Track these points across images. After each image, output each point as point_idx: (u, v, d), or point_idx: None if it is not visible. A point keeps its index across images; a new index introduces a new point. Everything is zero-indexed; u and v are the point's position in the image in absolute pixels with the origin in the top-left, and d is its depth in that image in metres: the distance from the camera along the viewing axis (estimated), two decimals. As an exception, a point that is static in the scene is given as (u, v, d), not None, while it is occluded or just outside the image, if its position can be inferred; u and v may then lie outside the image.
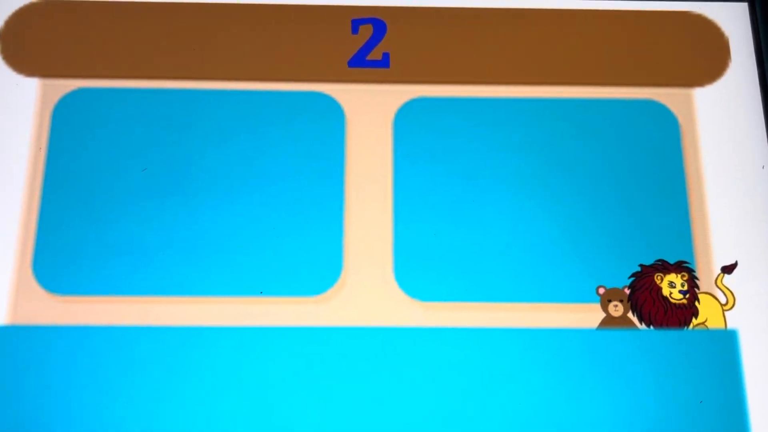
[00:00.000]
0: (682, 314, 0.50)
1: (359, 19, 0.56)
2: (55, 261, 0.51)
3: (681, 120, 0.55)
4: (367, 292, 0.50)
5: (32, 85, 0.55)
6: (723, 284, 0.51)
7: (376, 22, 0.56)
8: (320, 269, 0.51)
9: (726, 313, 0.50)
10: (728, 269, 0.52)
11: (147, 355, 0.49)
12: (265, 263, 0.51)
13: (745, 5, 0.58)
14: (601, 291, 0.51)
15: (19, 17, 0.56)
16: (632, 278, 0.51)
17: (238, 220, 0.52)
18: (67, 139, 0.53)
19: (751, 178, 0.54)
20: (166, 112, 0.54)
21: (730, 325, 0.50)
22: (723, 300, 0.51)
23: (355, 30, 0.56)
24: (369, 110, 0.54)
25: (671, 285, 0.51)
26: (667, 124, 0.55)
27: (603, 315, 0.50)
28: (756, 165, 0.54)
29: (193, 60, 0.55)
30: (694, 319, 0.50)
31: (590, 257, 0.51)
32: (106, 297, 0.50)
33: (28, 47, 0.56)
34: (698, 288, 0.51)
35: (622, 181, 0.53)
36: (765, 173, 0.54)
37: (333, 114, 0.54)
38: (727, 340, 0.50)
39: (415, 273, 0.51)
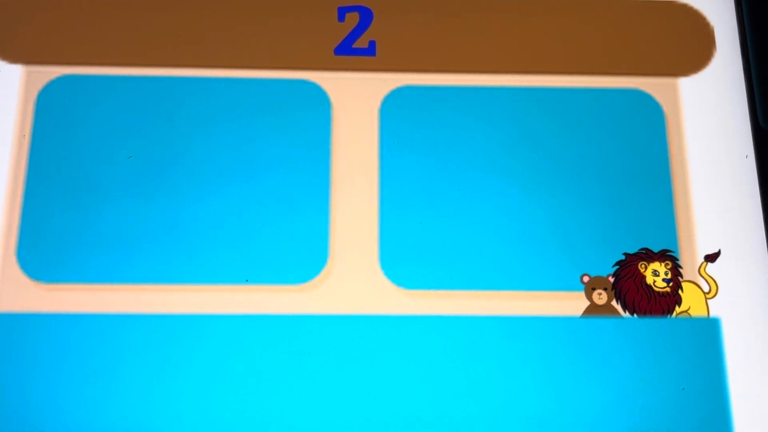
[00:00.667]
0: (666, 302, 0.50)
1: (345, 6, 0.56)
2: (39, 248, 0.50)
3: (666, 109, 0.55)
4: (353, 280, 0.50)
5: (16, 71, 0.54)
6: (706, 273, 0.51)
7: (363, 9, 0.56)
8: (306, 257, 0.50)
9: (709, 301, 0.51)
10: (711, 258, 0.51)
11: (132, 343, 0.49)
12: (251, 251, 0.50)
13: (730, -5, 0.58)
14: (586, 279, 0.51)
15: (2, 3, 0.56)
16: (616, 266, 0.51)
17: (224, 208, 0.51)
18: (51, 126, 0.53)
19: (735, 167, 0.54)
20: (152, 99, 0.54)
21: (712, 314, 0.50)
22: (706, 288, 0.51)
23: (341, 17, 0.56)
24: (355, 98, 0.54)
25: (655, 273, 0.51)
26: (652, 113, 0.54)
27: (587, 303, 0.50)
28: (740, 154, 0.54)
29: (178, 47, 0.55)
30: (677, 308, 0.50)
31: (575, 245, 0.51)
32: (90, 285, 0.50)
33: (12, 33, 0.55)
34: (682, 276, 0.51)
35: (606, 170, 0.53)
36: (749, 163, 0.54)
37: (319, 102, 0.54)
38: (710, 328, 0.50)
39: (401, 261, 0.51)
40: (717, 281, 0.51)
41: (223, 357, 0.49)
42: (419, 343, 0.49)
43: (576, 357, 0.49)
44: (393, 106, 0.54)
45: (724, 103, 0.55)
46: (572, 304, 0.50)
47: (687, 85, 0.55)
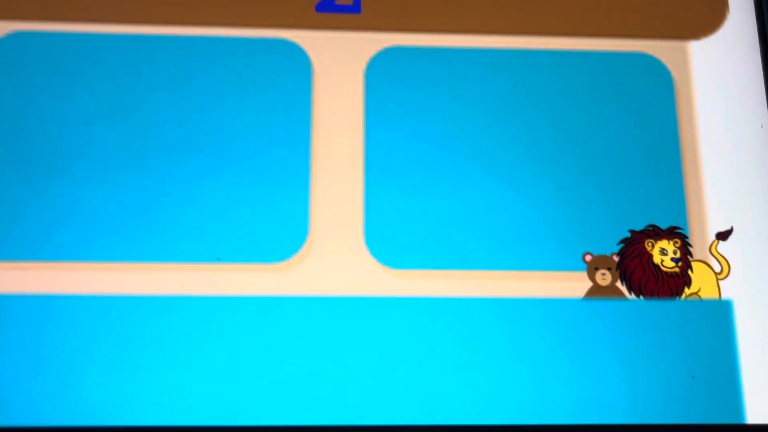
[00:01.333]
0: (674, 283, 0.49)
1: (328, -41, 0.55)
2: (-12, 223, 0.48)
3: (675, 75, 0.53)
4: (335, 258, 0.49)
5: (-38, 27, 0.52)
6: (717, 251, 0.50)
7: (347, -37, 0.55)
8: (284, 234, 0.49)
9: (720, 282, 0.50)
10: (723, 235, 0.50)
11: (92, 327, 0.46)
12: (223, 226, 0.49)
13: (745, -48, 0.57)
14: (588, 258, 0.49)
15: (-52, -48, 0.53)
16: (621, 245, 0.50)
17: (193, 179, 0.49)
18: (1, 88, 0.50)
19: (748, 137, 0.52)
20: (114, 60, 0.51)
21: (724, 295, 0.49)
22: (717, 268, 0.50)
23: (323, -29, 0.54)
24: (338, 60, 0.52)
25: (663, 252, 0.50)
26: (660, 79, 0.53)
27: (590, 284, 0.49)
28: (754, 124, 0.53)
29: (143, 3, 0.53)
30: (686, 289, 0.49)
31: (577, 222, 0.50)
32: (47, 263, 0.48)
33: (-42, -14, 0.53)
34: (691, 255, 0.50)
35: (611, 141, 0.52)
36: (764, 133, 0.52)
37: (299, 64, 0.52)
38: (722, 310, 0.49)
39: (388, 238, 0.49)
40: (729, 261, 0.50)
41: (192, 342, 0.46)
42: (407, 327, 0.48)
43: (577, 342, 0.48)
44: (380, 68, 0.52)
45: (738, 68, 0.54)
46: (573, 285, 0.49)
47: (698, 49, 0.54)
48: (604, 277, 0.49)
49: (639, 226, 0.50)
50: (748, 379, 0.47)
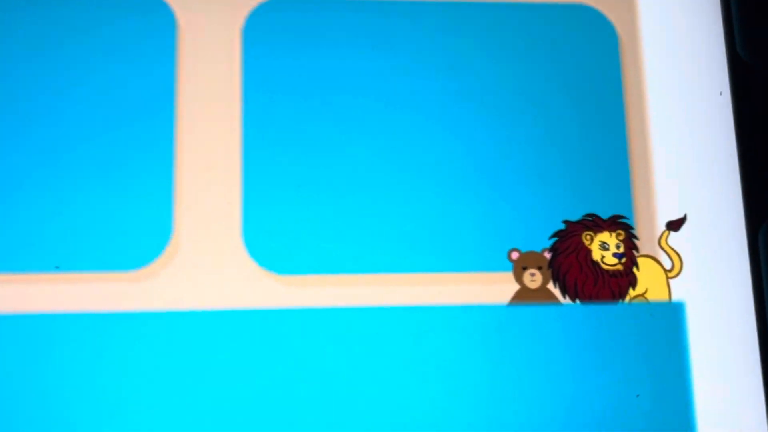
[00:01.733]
0: (617, 284, 0.47)
1: None
2: None
3: (620, 31, 0.51)
4: (207, 263, 0.45)
5: None
6: (668, 244, 0.48)
7: None
8: (141, 234, 0.45)
9: (671, 281, 0.48)
10: (675, 225, 0.48)
11: None
12: (63, 227, 0.45)
13: None
14: (515, 256, 0.47)
15: None
16: (554, 239, 0.48)
17: (26, 166, 0.45)
18: None
19: (705, 107, 0.50)
20: None
21: (675, 297, 0.47)
22: (668, 265, 0.48)
23: None
24: (209, 17, 0.48)
25: (603, 246, 0.48)
26: (602, 35, 0.51)
27: (517, 286, 0.47)
28: (712, 90, 0.50)
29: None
30: (631, 290, 0.47)
31: (500, 211, 0.47)
32: None
33: None
34: (637, 250, 0.48)
35: (545, 110, 0.49)
36: (723, 101, 0.50)
37: (161, 21, 0.48)
38: (672, 314, 0.47)
39: (272, 237, 0.46)
40: (681, 255, 0.48)
41: (29, 368, 0.42)
42: (297, 343, 0.44)
43: (501, 356, 0.45)
44: (259, 26, 0.49)
45: (694, 25, 0.51)
46: (497, 288, 0.47)
47: (647, 1, 0.52)
48: (533, 278, 0.47)
49: (575, 216, 0.48)
50: (700, 391, 0.45)
